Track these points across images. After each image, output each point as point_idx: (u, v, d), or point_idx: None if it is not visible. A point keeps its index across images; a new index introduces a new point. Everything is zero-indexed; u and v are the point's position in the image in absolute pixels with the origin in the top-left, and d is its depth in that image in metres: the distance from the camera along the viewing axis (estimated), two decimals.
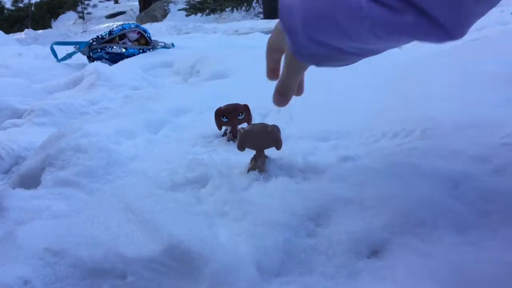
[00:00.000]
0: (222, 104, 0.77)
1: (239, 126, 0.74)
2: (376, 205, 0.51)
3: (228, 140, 0.77)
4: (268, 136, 0.61)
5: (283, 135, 0.65)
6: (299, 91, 0.58)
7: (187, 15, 8.00)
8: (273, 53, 0.56)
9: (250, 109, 0.77)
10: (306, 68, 0.53)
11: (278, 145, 0.61)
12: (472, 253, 0.42)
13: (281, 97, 0.53)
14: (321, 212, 0.52)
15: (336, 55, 0.47)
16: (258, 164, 0.61)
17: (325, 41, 0.45)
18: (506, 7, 2.42)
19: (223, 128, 0.79)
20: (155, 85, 1.76)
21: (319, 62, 0.49)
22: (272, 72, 0.57)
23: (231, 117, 0.76)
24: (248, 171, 0.61)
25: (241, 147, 0.62)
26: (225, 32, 4.23)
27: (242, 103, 0.77)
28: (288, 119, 0.83)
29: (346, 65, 0.50)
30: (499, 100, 0.74)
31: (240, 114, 0.76)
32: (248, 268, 0.44)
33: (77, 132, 0.76)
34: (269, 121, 0.81)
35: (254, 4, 8.22)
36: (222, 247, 0.45)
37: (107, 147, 0.72)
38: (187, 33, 4.65)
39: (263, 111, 0.87)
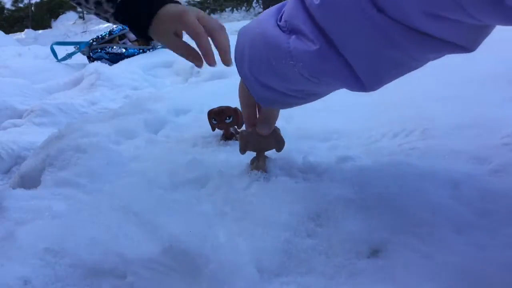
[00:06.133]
0: (222, 104, 0.76)
1: (241, 129, 0.74)
2: (376, 205, 0.51)
3: (220, 140, 0.77)
4: (269, 138, 0.61)
5: (283, 135, 0.65)
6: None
7: None
8: (246, 108, 0.60)
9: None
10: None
11: (279, 147, 0.61)
12: (472, 253, 0.42)
13: (264, 126, 0.59)
14: (321, 212, 0.52)
15: (281, 98, 0.52)
16: (260, 165, 0.61)
17: (268, 84, 0.50)
18: None
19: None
20: (155, 85, 1.76)
21: (271, 105, 0.55)
22: (248, 122, 0.61)
23: (218, 120, 0.75)
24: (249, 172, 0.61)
25: (243, 151, 0.62)
26: None
27: (234, 105, 0.75)
28: (288, 119, 0.82)
29: (294, 106, 0.56)
30: (499, 100, 0.74)
31: (228, 118, 0.74)
32: (248, 268, 0.44)
33: (77, 132, 0.76)
34: None
35: (254, 4, 8.22)
36: (222, 247, 0.45)
37: (107, 147, 0.72)
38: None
39: None
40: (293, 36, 0.44)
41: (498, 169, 0.55)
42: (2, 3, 11.18)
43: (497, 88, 0.80)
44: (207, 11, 8.03)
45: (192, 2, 8.20)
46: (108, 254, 0.48)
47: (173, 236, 0.47)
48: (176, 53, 0.72)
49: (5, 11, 11.14)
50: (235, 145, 0.72)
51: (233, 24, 5.29)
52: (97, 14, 0.75)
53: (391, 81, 0.45)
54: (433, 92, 0.84)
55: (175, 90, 1.24)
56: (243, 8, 8.19)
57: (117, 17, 0.73)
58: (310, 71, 0.44)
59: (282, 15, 0.47)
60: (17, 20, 10.86)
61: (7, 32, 6.40)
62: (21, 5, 11.15)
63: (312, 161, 0.63)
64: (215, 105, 0.77)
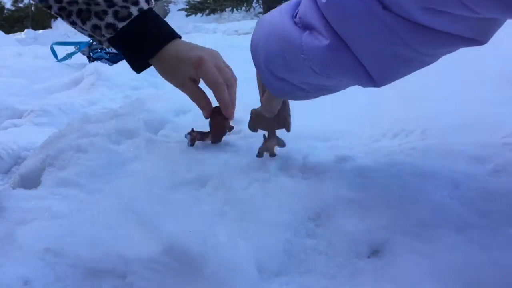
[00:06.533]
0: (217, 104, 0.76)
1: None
2: (376, 205, 0.51)
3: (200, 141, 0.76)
4: (273, 120, 0.62)
5: (283, 135, 0.65)
6: None
7: (187, 15, 7.99)
8: (262, 91, 0.61)
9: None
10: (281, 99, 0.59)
11: (286, 126, 0.62)
12: (472, 253, 0.42)
13: (265, 111, 0.61)
14: (321, 212, 0.52)
15: (294, 90, 0.52)
16: (269, 145, 0.62)
17: (283, 77, 0.51)
18: None
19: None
20: (155, 85, 1.76)
21: (285, 96, 0.56)
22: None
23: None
24: (258, 153, 0.63)
25: (251, 127, 0.64)
26: (225, 32, 4.23)
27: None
28: None
29: (308, 99, 0.57)
30: (499, 100, 0.74)
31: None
32: (248, 268, 0.44)
33: (77, 132, 0.76)
34: None
35: (254, 4, 8.22)
36: (222, 247, 0.45)
37: (107, 147, 0.72)
38: (187, 33, 4.64)
39: None
40: (307, 32, 0.44)
41: (498, 169, 0.55)
42: (2, 3, 11.18)
43: (497, 88, 0.80)
44: (207, 11, 8.03)
45: (192, 2, 8.20)
46: (108, 254, 0.48)
47: (173, 236, 0.47)
48: (190, 98, 0.72)
49: (5, 11, 11.14)
50: (235, 145, 0.72)
51: (233, 24, 5.29)
52: (91, 36, 0.72)
53: (403, 76, 0.45)
54: (433, 92, 0.84)
55: (175, 90, 1.24)
56: (243, 8, 8.19)
57: (113, 43, 0.70)
58: (320, 65, 0.44)
59: (297, 12, 0.47)
60: (17, 20, 10.87)
61: (7, 32, 6.41)
62: (21, 5, 11.15)
63: (312, 161, 0.63)
64: (214, 104, 0.77)
